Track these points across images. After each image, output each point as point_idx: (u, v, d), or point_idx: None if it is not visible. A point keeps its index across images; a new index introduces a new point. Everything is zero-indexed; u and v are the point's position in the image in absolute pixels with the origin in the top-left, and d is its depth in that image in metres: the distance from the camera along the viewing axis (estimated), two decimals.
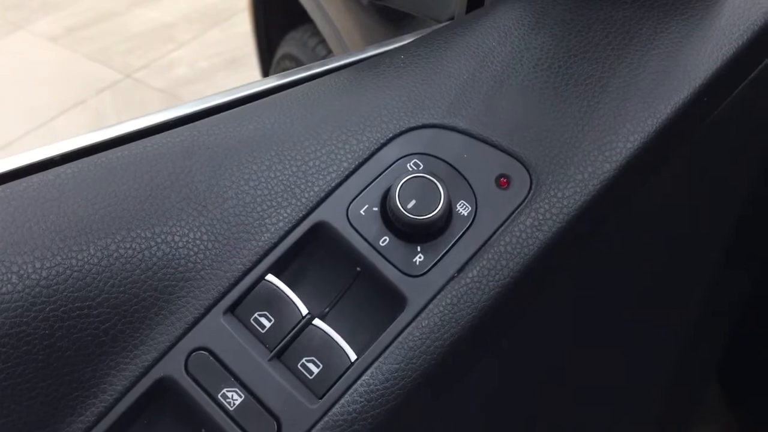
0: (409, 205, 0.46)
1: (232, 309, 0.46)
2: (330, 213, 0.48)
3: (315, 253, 0.48)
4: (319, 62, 0.59)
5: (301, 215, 0.48)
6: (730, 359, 0.96)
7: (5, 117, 2.68)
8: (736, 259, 0.73)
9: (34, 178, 0.46)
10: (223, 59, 2.76)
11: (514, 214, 0.48)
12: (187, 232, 0.46)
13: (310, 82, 0.54)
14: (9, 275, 0.42)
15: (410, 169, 0.48)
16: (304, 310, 0.46)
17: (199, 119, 0.52)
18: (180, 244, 0.46)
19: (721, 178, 0.62)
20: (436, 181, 0.47)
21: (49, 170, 0.46)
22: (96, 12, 3.10)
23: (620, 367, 0.70)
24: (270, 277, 0.47)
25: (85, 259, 0.44)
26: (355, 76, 0.53)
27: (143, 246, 0.45)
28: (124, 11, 3.08)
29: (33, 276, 0.42)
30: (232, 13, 2.95)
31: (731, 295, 0.81)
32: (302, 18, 1.60)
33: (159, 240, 0.46)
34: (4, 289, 0.42)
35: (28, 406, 0.43)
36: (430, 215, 0.46)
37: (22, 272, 0.42)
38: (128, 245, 0.45)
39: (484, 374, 0.50)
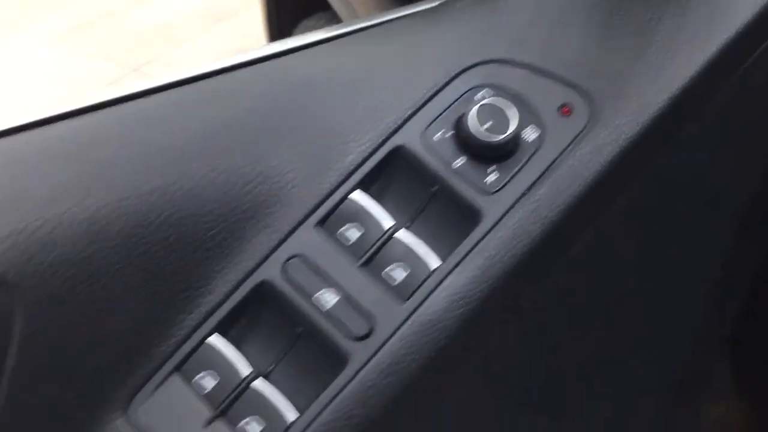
0: (484, 128, 0.51)
1: (321, 222, 0.51)
2: (407, 137, 0.52)
3: (395, 174, 0.52)
4: (379, 14, 0.63)
5: (381, 139, 0.52)
6: (740, 337, 1.01)
7: (8, 116, 2.70)
8: (749, 234, 0.78)
9: (144, 102, 0.50)
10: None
11: (577, 139, 0.52)
12: (280, 153, 0.51)
13: (381, 26, 0.59)
14: (130, 184, 0.46)
15: (482, 97, 0.53)
16: (389, 224, 0.51)
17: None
18: (274, 163, 0.50)
19: (749, 133, 0.66)
20: (506, 107, 0.51)
21: (158, 94, 0.51)
22: (97, 10, 3.13)
23: (641, 327, 0.75)
24: (355, 194, 0.51)
25: (193, 173, 0.48)
26: (423, 19, 0.58)
27: (242, 163, 0.49)
28: (125, 10, 3.11)
29: (150, 185, 0.46)
30: (235, 11, 2.99)
31: (742, 272, 0.86)
32: (316, 5, 1.64)
33: (256, 159, 0.50)
34: (124, 195, 0.46)
35: (145, 302, 0.47)
36: (504, 136, 0.50)
37: (140, 182, 0.46)
38: (230, 162, 0.49)
39: (549, 287, 0.54)
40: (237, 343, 0.49)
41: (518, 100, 0.53)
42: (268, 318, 0.50)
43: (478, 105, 0.51)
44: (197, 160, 0.48)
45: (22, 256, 0.41)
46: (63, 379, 0.45)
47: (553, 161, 0.52)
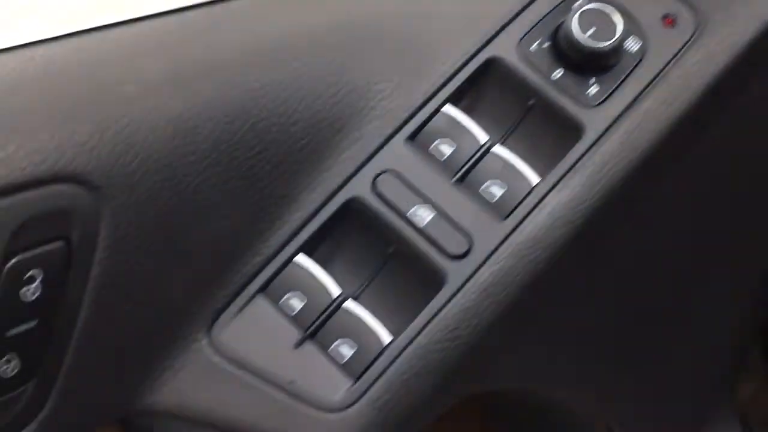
0: (587, 35, 0.47)
1: (412, 137, 0.47)
2: (502, 48, 0.49)
3: (489, 87, 0.49)
4: None
5: (474, 50, 0.49)
6: None
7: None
8: None
9: (233, 5, 0.46)
10: None
11: (683, 50, 0.49)
12: (368, 62, 0.47)
13: None
14: (218, 86, 0.42)
15: (579, 5, 0.49)
16: (483, 138, 0.47)
17: None
18: (362, 73, 0.47)
19: None
20: (611, 13, 0.48)
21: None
22: None
23: (713, 271, 0.72)
24: (447, 107, 0.48)
25: (282, 77, 0.44)
26: None
27: (330, 71, 0.46)
28: None
29: (238, 89, 0.43)
30: None
31: None
32: None
33: (343, 68, 0.46)
34: (213, 96, 0.42)
35: (230, 215, 0.43)
36: (611, 42, 0.47)
37: (229, 85, 0.43)
38: (317, 69, 0.46)
39: (654, 206, 0.51)
40: (325, 263, 0.46)
41: (619, 9, 0.49)
42: (357, 236, 0.46)
43: (581, 11, 0.48)
44: (285, 64, 0.45)
45: (107, 157, 0.38)
46: (145, 294, 0.42)
47: (659, 72, 0.48)
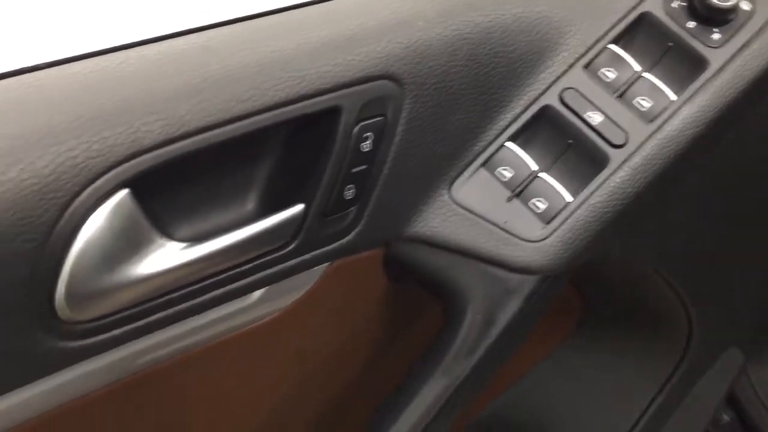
0: None
1: (587, 65, 0.69)
2: (651, 5, 0.70)
3: (641, 32, 0.70)
4: None
5: (632, 6, 0.70)
6: None
7: None
8: None
9: None
10: None
11: None
12: (560, 12, 0.68)
13: None
14: (469, 19, 0.64)
15: None
16: (638, 68, 0.69)
17: None
18: (556, 20, 0.68)
19: None
20: None
21: None
22: None
23: None
24: (612, 45, 0.69)
25: (506, 19, 0.66)
26: None
27: (536, 17, 0.67)
28: None
29: (481, 26, 0.64)
30: None
31: None
32: None
33: (545, 15, 0.68)
34: (467, 29, 0.64)
35: (471, 110, 0.65)
36: (731, 3, 0.68)
37: (474, 22, 0.64)
38: (529, 15, 0.67)
39: (754, 121, 0.72)
40: (525, 148, 0.68)
41: None
42: (547, 132, 0.68)
43: None
44: (507, 11, 0.66)
45: (410, 65, 0.60)
46: (420, 157, 0.64)
47: (763, 26, 0.69)
